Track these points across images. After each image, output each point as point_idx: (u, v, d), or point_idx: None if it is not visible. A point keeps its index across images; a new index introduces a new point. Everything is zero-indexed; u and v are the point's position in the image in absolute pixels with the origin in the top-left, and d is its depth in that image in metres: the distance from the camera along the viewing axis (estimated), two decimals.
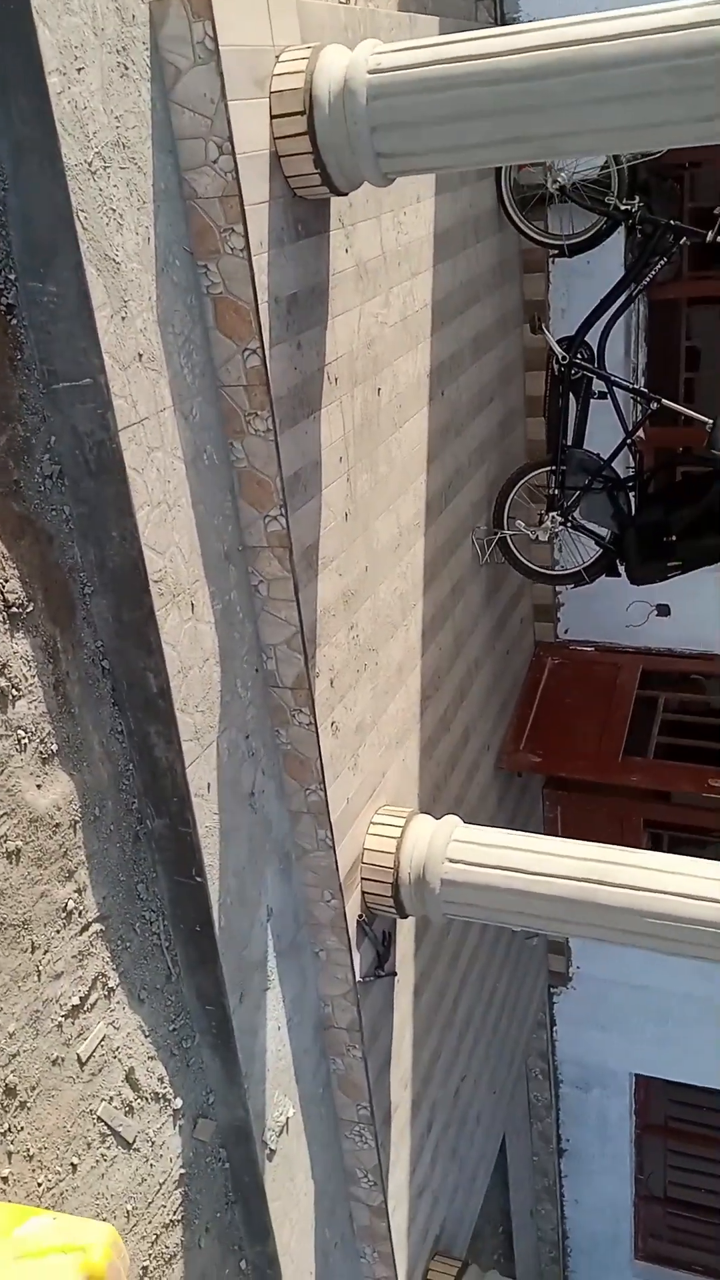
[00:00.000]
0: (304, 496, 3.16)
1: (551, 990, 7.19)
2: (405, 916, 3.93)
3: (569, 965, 7.07)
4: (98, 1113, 2.89)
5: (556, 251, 4.97)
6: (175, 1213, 3.27)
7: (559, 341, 4.74)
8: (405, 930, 4.35)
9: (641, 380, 5.38)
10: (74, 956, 2.76)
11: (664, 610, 5.96)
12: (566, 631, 6.29)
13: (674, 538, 4.58)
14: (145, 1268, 3.13)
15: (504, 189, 4.85)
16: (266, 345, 2.84)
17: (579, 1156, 7.98)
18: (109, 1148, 2.95)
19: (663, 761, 5.70)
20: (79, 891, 2.76)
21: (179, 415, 2.74)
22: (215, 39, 2.52)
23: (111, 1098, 2.95)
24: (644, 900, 3.42)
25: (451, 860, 3.75)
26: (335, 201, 3.18)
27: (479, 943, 5.42)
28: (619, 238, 5.15)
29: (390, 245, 3.65)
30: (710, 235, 4.41)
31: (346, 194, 2.99)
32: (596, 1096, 7.60)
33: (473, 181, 4.54)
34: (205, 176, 2.67)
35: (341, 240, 3.26)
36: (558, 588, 6.09)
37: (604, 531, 4.91)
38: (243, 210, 2.69)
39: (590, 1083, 7.55)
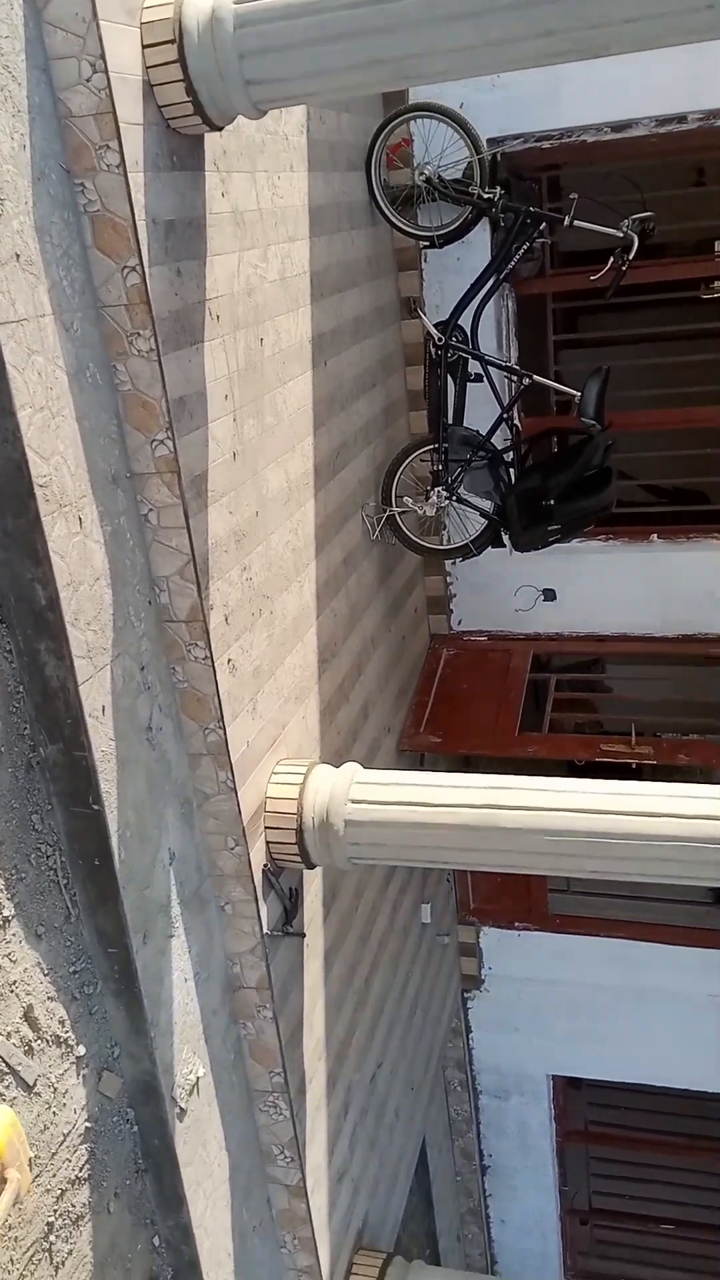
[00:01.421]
0: (190, 424, 3.21)
1: (465, 994, 7.14)
2: (311, 866, 3.90)
3: (480, 967, 7.04)
4: None
5: (427, 243, 5.21)
6: (81, 1169, 3.12)
7: (435, 325, 4.95)
8: (313, 895, 4.31)
9: (513, 361, 5.64)
10: None
11: (550, 595, 6.16)
12: (460, 623, 6.42)
13: (552, 502, 4.77)
14: (50, 1224, 2.97)
15: (374, 186, 5.08)
16: (146, 264, 2.91)
17: (502, 1172, 7.85)
18: (7, 1087, 2.81)
19: (557, 734, 5.83)
20: None
21: (60, 325, 2.77)
22: None
23: (9, 1034, 2.82)
24: (541, 819, 3.49)
25: (354, 801, 3.76)
26: (210, 145, 3.31)
27: (389, 928, 5.39)
28: (485, 236, 5.44)
29: (266, 204, 3.79)
30: (567, 219, 4.69)
31: (220, 128, 3.11)
32: (516, 1105, 7.52)
33: (343, 169, 4.75)
34: (79, 95, 2.76)
35: (217, 184, 3.38)
36: (448, 577, 6.24)
37: (488, 504, 5.09)
38: (118, 127, 2.78)
39: (509, 1090, 7.48)
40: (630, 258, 4.58)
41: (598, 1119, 7.90)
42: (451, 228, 5.11)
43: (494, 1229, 8.09)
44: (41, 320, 2.70)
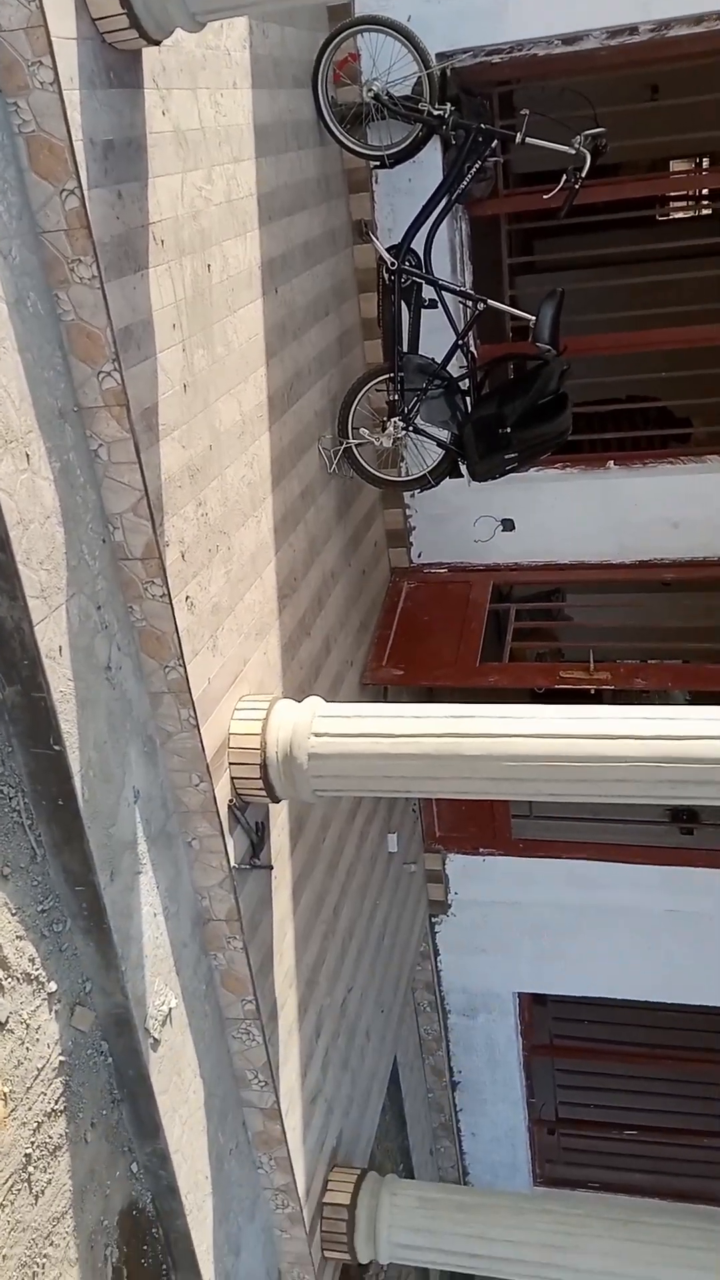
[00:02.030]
0: (138, 355, 3.13)
1: (432, 919, 7.29)
2: (277, 800, 3.92)
3: (447, 893, 7.18)
4: None
5: (378, 163, 5.08)
6: (57, 1102, 3.17)
7: (388, 249, 4.85)
8: (280, 829, 4.35)
9: (468, 286, 5.55)
10: None
11: (509, 525, 6.16)
12: (420, 555, 6.41)
13: (509, 429, 4.74)
14: (28, 1155, 3.02)
15: (321, 103, 4.92)
16: (85, 187, 2.80)
17: (472, 1087, 8.11)
18: None
19: (518, 664, 5.88)
20: None
21: None
22: None
23: None
24: (501, 746, 3.53)
25: (317, 735, 3.77)
26: (148, 60, 3.17)
27: (356, 858, 5.46)
28: (436, 156, 5.31)
29: (210, 123, 3.66)
30: (519, 136, 4.58)
31: (158, 42, 2.99)
32: (483, 1022, 7.74)
33: (289, 86, 4.59)
34: (8, 8, 2.62)
35: (157, 102, 3.25)
36: (407, 509, 6.21)
37: (444, 434, 5.04)
38: (50, 42, 2.65)
39: (477, 1009, 7.69)
40: (583, 175, 4.49)
41: (562, 1033, 8.16)
42: (402, 146, 4.97)
43: (465, 1142, 8.38)
44: None
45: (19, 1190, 2.96)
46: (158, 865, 3.57)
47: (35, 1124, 3.06)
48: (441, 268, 5.20)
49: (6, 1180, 2.91)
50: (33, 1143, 3.04)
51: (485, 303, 4.86)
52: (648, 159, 8.97)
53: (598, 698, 6.16)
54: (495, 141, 4.68)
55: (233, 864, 3.81)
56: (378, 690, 5.83)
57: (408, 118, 4.84)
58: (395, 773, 3.69)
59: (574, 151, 4.49)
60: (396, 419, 5.00)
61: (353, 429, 5.13)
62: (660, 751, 3.37)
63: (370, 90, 4.86)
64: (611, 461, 5.95)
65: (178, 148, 3.40)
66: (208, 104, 3.65)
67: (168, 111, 3.32)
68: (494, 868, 6.88)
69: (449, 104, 4.71)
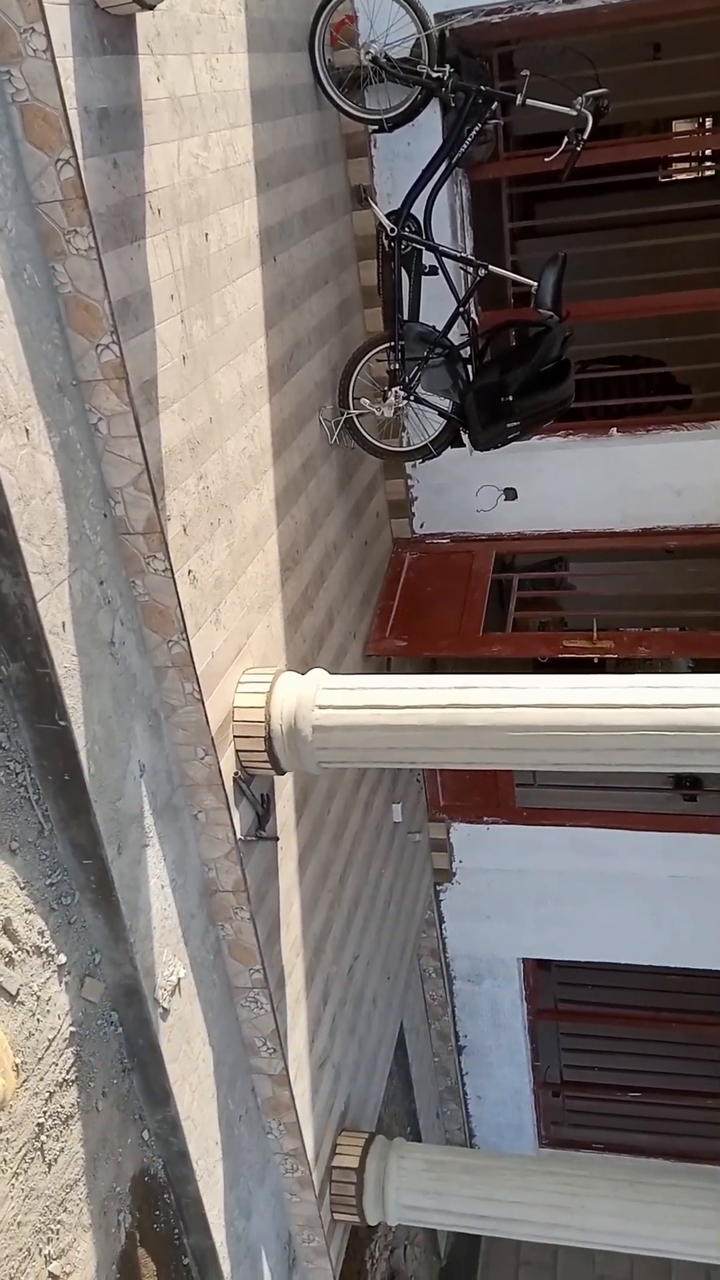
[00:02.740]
0: (136, 327, 3.10)
1: (437, 887, 7.34)
2: (282, 772, 3.94)
3: (451, 861, 7.23)
4: None
5: (376, 127, 5.00)
6: (68, 1071, 3.21)
7: (387, 215, 4.79)
8: (285, 800, 4.37)
9: (469, 251, 5.48)
10: None
11: (511, 494, 6.13)
12: (422, 526, 6.39)
13: (510, 398, 4.70)
14: (41, 1124, 3.06)
15: (318, 67, 4.84)
16: (80, 156, 2.77)
17: (477, 1051, 8.20)
18: None
19: (521, 633, 5.87)
20: None
21: None
22: None
23: None
24: (505, 716, 3.53)
25: (321, 707, 3.78)
26: (142, 25, 3.12)
27: (361, 828, 5.49)
28: (435, 119, 5.23)
29: (205, 88, 3.60)
30: (519, 98, 4.51)
31: (152, 6, 2.94)
32: (488, 988, 7.82)
33: (285, 50, 4.51)
34: None
35: (152, 68, 3.20)
36: (409, 479, 6.18)
37: (446, 403, 5.00)
38: (42, 7, 2.60)
39: (482, 975, 7.76)
40: (585, 137, 4.42)
41: (567, 997, 8.25)
42: (400, 110, 4.89)
43: (471, 1105, 8.49)
44: None
45: (32, 1159, 3.01)
46: (164, 838, 3.59)
47: (47, 1094, 3.10)
48: (442, 233, 5.14)
49: (20, 1149, 2.95)
50: (45, 1112, 3.09)
51: (486, 268, 4.81)
52: (650, 120, 8.84)
53: (601, 667, 6.17)
54: (495, 103, 4.61)
55: (239, 836, 3.83)
56: (381, 661, 5.83)
57: (406, 80, 4.76)
58: (399, 744, 3.70)
59: (575, 113, 4.41)
60: (397, 388, 4.96)
61: (353, 399, 5.10)
62: (664, 720, 3.37)
63: (368, 53, 4.78)
64: (614, 429, 5.92)
65: (173, 115, 3.35)
66: (203, 69, 3.59)
67: (163, 78, 3.27)
68: (498, 836, 6.92)
69: (448, 66, 4.63)
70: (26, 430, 2.80)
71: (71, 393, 3.02)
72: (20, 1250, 2.95)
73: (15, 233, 2.74)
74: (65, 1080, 3.20)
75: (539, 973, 7.91)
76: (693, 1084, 8.01)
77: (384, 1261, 6.75)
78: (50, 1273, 3.07)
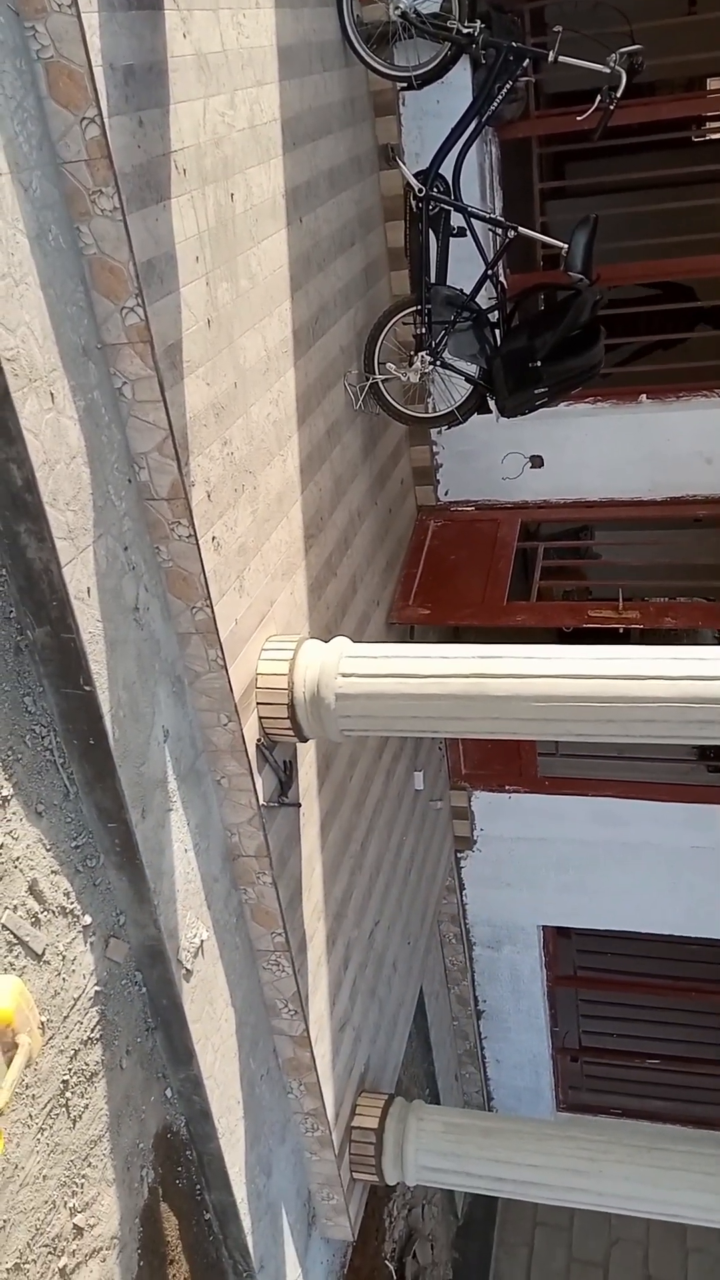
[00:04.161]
0: (161, 289, 3.07)
1: (458, 854, 7.37)
2: (304, 739, 3.95)
3: (473, 829, 7.25)
4: (1, 920, 2.84)
5: (405, 85, 4.90)
6: (92, 1030, 3.26)
7: (415, 175, 4.71)
8: (307, 767, 4.39)
9: (498, 212, 5.40)
10: None
11: (538, 461, 6.07)
12: (446, 493, 6.34)
13: (539, 363, 4.64)
14: (65, 1081, 3.12)
15: (346, 23, 4.74)
16: (105, 115, 2.73)
17: (496, 1015, 8.27)
18: (17, 957, 2.91)
19: (545, 602, 5.84)
20: None
21: (18, 185, 2.62)
22: None
23: (15, 907, 2.90)
24: (529, 686, 3.52)
25: (344, 675, 3.78)
26: None
27: (383, 795, 5.51)
28: (465, 76, 5.12)
29: (232, 44, 3.54)
30: (551, 54, 4.40)
31: None
32: (508, 954, 7.87)
33: (313, 5, 4.43)
34: None
35: (178, 23, 3.14)
36: (434, 446, 6.13)
37: (473, 368, 4.94)
38: None
39: (501, 941, 7.81)
40: (618, 95, 4.31)
41: (586, 964, 8.29)
42: (430, 67, 4.79)
43: (489, 1068, 8.58)
44: None
45: (58, 1114, 3.06)
46: (188, 803, 3.61)
47: (72, 1051, 3.15)
48: (470, 193, 5.05)
49: (46, 1105, 3.01)
50: (70, 1069, 3.14)
51: (516, 230, 4.72)
52: (684, 77, 8.61)
53: (626, 637, 6.13)
54: (527, 60, 4.50)
55: (261, 802, 3.85)
56: (404, 630, 5.82)
57: (436, 36, 4.65)
58: (422, 713, 3.70)
59: (609, 70, 4.30)
60: (424, 353, 4.91)
61: (379, 364, 5.05)
62: (689, 692, 3.35)
63: (397, 8, 4.67)
64: (644, 395, 5.83)
65: (199, 72, 3.30)
66: (230, 25, 3.53)
67: (189, 34, 3.21)
68: (520, 805, 6.92)
69: (479, 21, 4.51)
70: (52, 394, 2.79)
71: (96, 356, 3.00)
72: (46, 1203, 3.02)
73: (40, 193, 2.71)
74: (90, 1038, 3.25)
75: (558, 940, 7.94)
76: (711, 1052, 8.05)
77: (402, 1220, 6.87)
78: (75, 1225, 3.14)
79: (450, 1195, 8.15)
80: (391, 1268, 6.56)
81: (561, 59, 4.35)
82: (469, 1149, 5.03)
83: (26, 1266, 2.93)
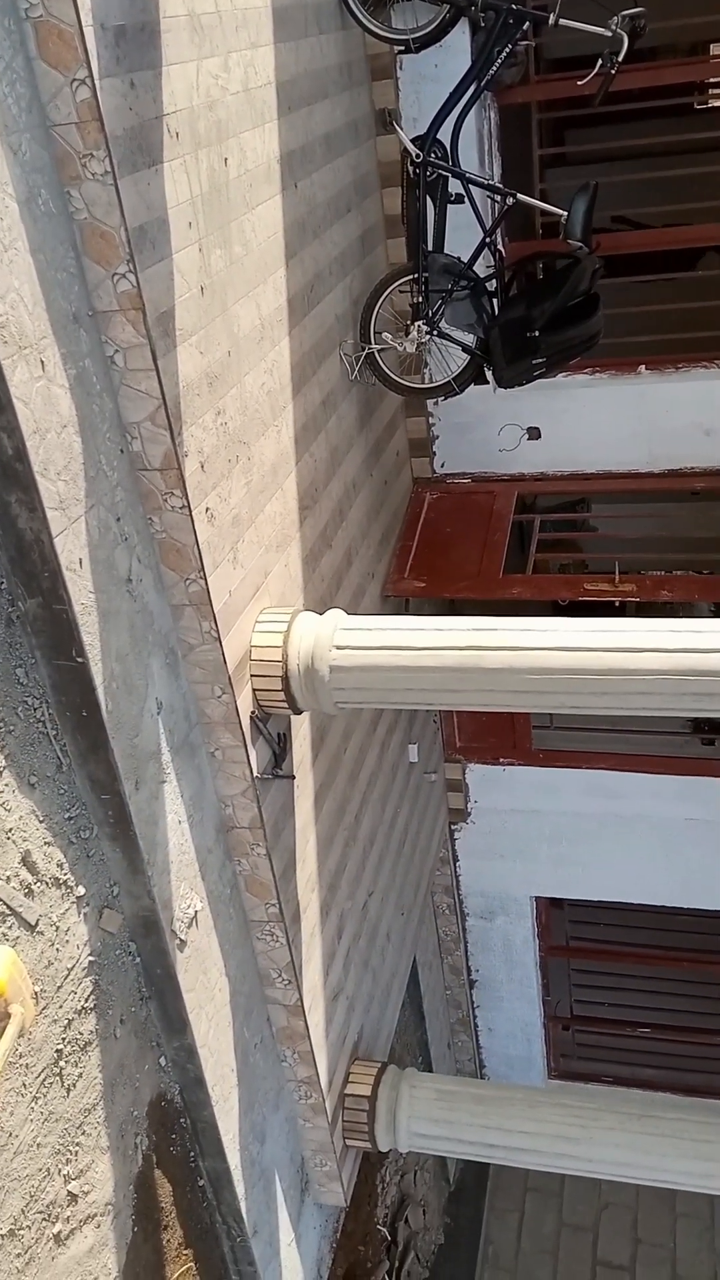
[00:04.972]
0: (153, 255, 3.03)
1: (452, 826, 7.40)
2: (299, 712, 3.94)
3: (467, 801, 7.27)
4: None
5: (402, 48, 4.81)
6: (86, 1000, 3.28)
7: (412, 140, 4.64)
8: (301, 739, 4.38)
9: (496, 179, 5.33)
10: None
11: (535, 433, 6.03)
12: (443, 465, 6.31)
13: (537, 333, 4.59)
14: (59, 1050, 3.13)
15: None
16: (96, 76, 2.68)
17: (489, 985, 8.34)
18: (10, 928, 2.92)
19: (541, 575, 5.82)
20: None
21: (6, 148, 2.57)
22: None
23: (9, 878, 2.91)
24: (524, 659, 3.51)
25: (339, 647, 3.77)
26: None
27: (377, 768, 5.51)
28: (464, 40, 5.03)
29: (225, 6, 3.47)
30: (552, 17, 4.32)
31: None
32: (501, 924, 7.92)
33: None
34: None
35: None
36: (430, 417, 6.09)
37: (470, 338, 4.90)
38: None
39: (494, 912, 7.86)
40: (619, 60, 4.24)
41: (579, 935, 8.36)
42: (428, 30, 4.70)
43: (482, 1037, 8.66)
44: None
45: (51, 1083, 3.08)
46: (181, 775, 3.61)
47: (66, 1021, 3.17)
48: (469, 160, 4.98)
49: (39, 1074, 3.03)
50: (63, 1039, 3.16)
51: (515, 197, 4.66)
52: (687, 42, 8.48)
53: (622, 610, 6.12)
54: (527, 24, 4.42)
55: (255, 774, 3.86)
56: (399, 602, 5.81)
57: None
58: (417, 685, 3.69)
59: (610, 34, 4.22)
60: (420, 322, 4.86)
61: (375, 333, 5.00)
62: (685, 665, 3.34)
63: None
64: (643, 366, 5.79)
65: (192, 33, 3.24)
66: None
67: None
68: (514, 777, 6.94)
69: None
70: (42, 362, 2.75)
71: (87, 324, 2.96)
72: (40, 1170, 3.04)
73: (30, 156, 2.67)
74: (83, 1008, 3.27)
75: (551, 910, 8.00)
76: (701, 1021, 8.13)
77: (394, 1186, 6.97)
78: (69, 1192, 3.17)
79: (442, 1161, 8.26)
80: (385, 1232, 6.66)
81: (562, 22, 4.27)
82: (461, 1116, 5.08)
83: (21, 1233, 2.96)
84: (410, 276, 4.87)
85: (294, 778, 4.20)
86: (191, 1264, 4.02)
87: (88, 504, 2.99)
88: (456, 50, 5.02)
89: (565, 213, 4.46)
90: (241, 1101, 4.20)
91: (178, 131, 3.14)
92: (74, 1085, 3.19)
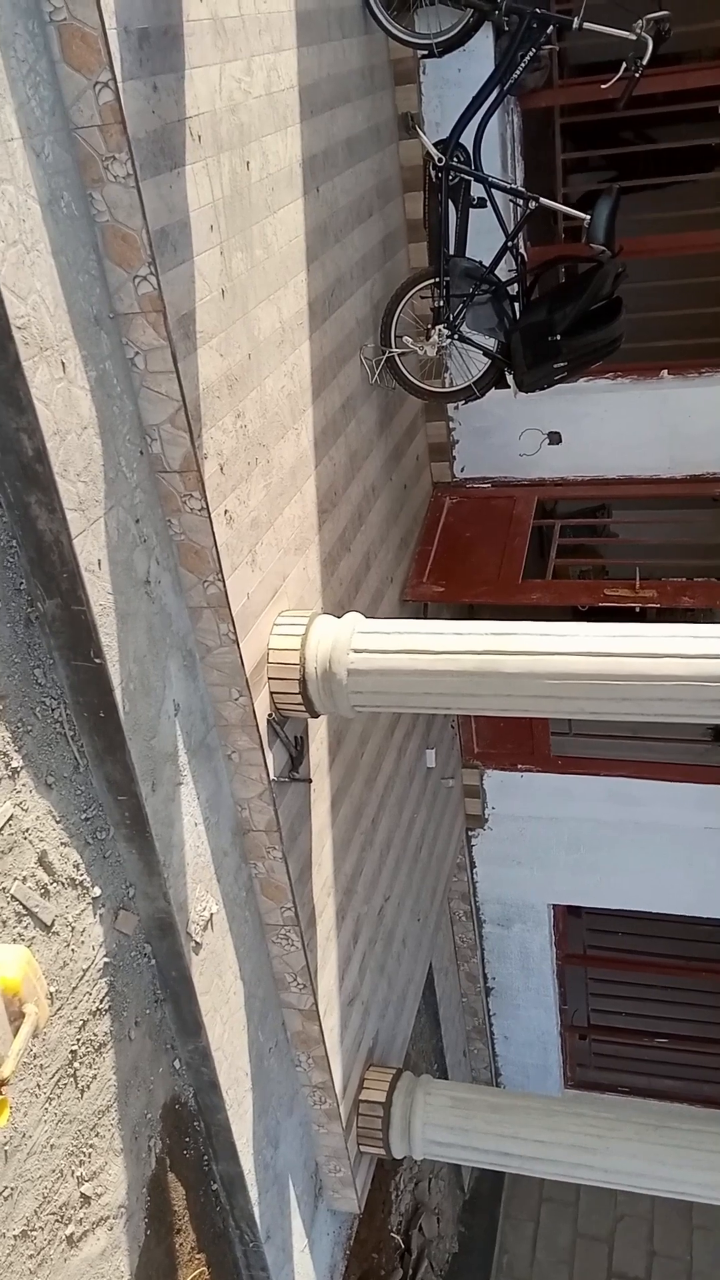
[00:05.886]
0: (174, 258, 3.04)
1: (469, 832, 7.37)
2: (316, 715, 3.93)
3: (484, 807, 7.24)
4: (11, 891, 2.85)
5: (426, 53, 4.82)
6: (101, 1001, 3.28)
7: (435, 145, 4.63)
8: (318, 743, 4.37)
9: (519, 183, 5.31)
10: None
11: (555, 438, 6.01)
12: (463, 470, 6.29)
13: (558, 337, 4.57)
14: (74, 1051, 3.13)
15: None
16: (119, 79, 2.69)
17: (505, 993, 8.30)
18: (26, 928, 2.92)
19: (560, 581, 5.80)
20: None
21: (29, 150, 2.58)
22: None
23: (25, 878, 2.91)
24: (542, 664, 3.49)
25: (357, 651, 3.76)
26: None
27: (394, 772, 5.50)
28: (487, 44, 5.03)
29: (249, 9, 3.48)
30: (575, 21, 4.31)
31: None
32: (518, 932, 7.88)
33: None
34: None
35: None
36: (451, 421, 6.08)
37: (491, 342, 4.88)
38: None
39: (511, 919, 7.82)
40: (644, 63, 4.22)
41: (596, 943, 8.30)
42: (451, 34, 4.70)
43: (498, 1045, 8.62)
44: (10, 145, 2.51)
45: (65, 1084, 3.08)
46: (198, 777, 3.61)
47: (81, 1022, 3.17)
48: (491, 164, 4.98)
49: (53, 1075, 3.03)
50: (78, 1040, 3.16)
51: (537, 201, 4.64)
52: (712, 46, 8.43)
53: (642, 616, 6.08)
54: (550, 28, 4.41)
55: (272, 777, 3.85)
56: (418, 607, 5.79)
57: (457, 3, 4.57)
58: (434, 689, 3.68)
59: (635, 37, 4.21)
60: (441, 326, 4.84)
61: (396, 337, 5.00)
62: (706, 671, 3.31)
63: None
64: (665, 371, 5.75)
65: (215, 37, 3.24)
66: None
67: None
68: (532, 784, 6.91)
69: None
70: (63, 364, 2.76)
71: (109, 326, 2.97)
72: (53, 1171, 3.04)
73: (53, 158, 2.68)
74: (98, 1009, 3.27)
75: (569, 919, 7.95)
76: None
77: (409, 1194, 6.93)
78: (82, 1194, 3.17)
79: (457, 1169, 8.22)
80: (398, 1239, 6.63)
81: (586, 25, 4.26)
82: (476, 1124, 5.05)
83: (34, 1233, 2.96)
84: (431, 280, 4.86)
85: (311, 781, 4.19)
86: (204, 1268, 4.01)
87: (107, 505, 3.00)
88: (480, 55, 5.02)
89: (588, 217, 4.44)
90: (256, 1106, 4.19)
91: (200, 135, 3.15)
92: (88, 1087, 3.19)
